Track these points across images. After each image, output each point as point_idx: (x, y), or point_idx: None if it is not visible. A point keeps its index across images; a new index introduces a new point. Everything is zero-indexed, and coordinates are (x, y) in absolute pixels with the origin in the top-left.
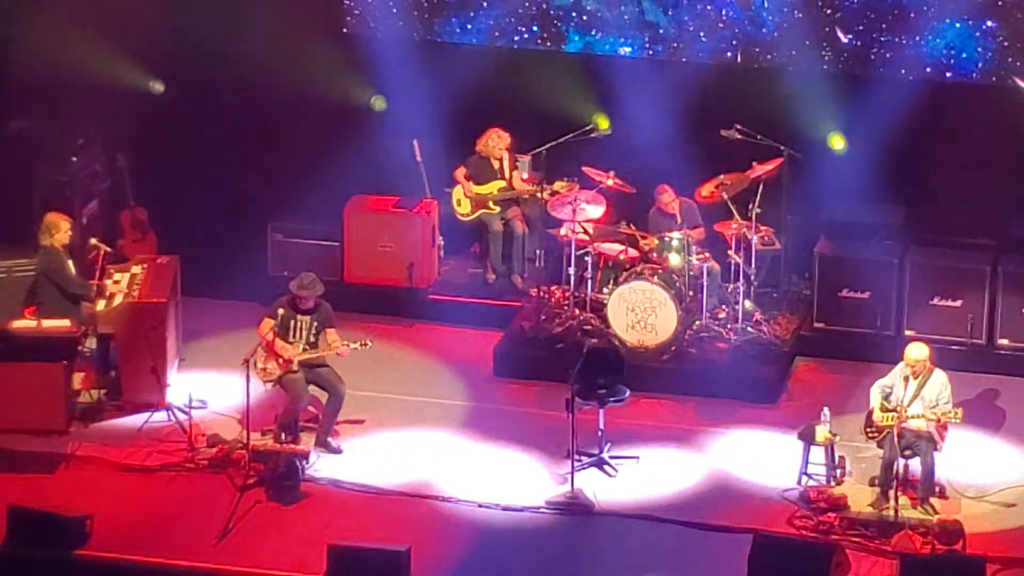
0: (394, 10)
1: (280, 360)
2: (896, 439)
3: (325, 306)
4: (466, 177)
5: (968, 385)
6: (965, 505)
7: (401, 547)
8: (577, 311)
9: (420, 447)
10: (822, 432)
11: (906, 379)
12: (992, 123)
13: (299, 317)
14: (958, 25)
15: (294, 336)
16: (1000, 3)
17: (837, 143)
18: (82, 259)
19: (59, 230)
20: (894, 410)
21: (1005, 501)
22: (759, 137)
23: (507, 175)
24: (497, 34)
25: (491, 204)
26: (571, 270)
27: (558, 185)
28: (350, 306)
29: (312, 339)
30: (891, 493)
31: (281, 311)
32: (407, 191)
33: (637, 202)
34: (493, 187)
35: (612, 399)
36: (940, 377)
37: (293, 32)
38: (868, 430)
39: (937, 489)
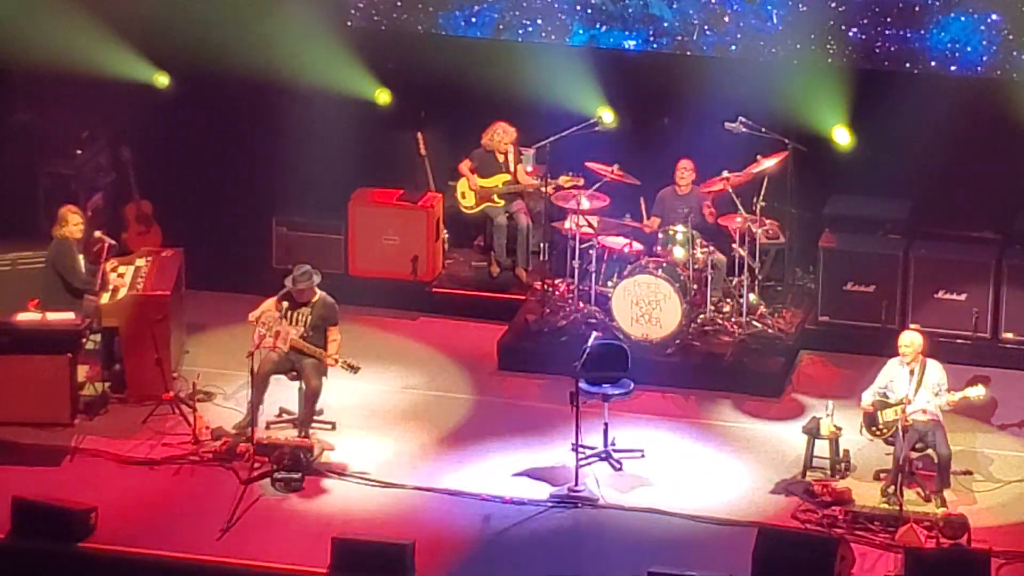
0: (398, 3)
1: (275, 337)
2: (902, 432)
3: (328, 302)
4: (471, 170)
5: None
6: (972, 498)
7: (405, 540)
8: (581, 304)
9: (424, 440)
10: (827, 426)
11: (912, 372)
12: (997, 116)
13: (299, 309)
14: (963, 19)
15: (291, 326)
16: None
17: (842, 137)
18: (87, 252)
19: (67, 223)
20: (900, 403)
21: (1015, 490)
22: (763, 130)
23: (512, 169)
24: (501, 27)
25: (495, 197)
26: (575, 263)
27: (563, 180)
28: (354, 299)
29: (310, 331)
30: (896, 487)
31: (285, 303)
32: (411, 184)
33: (648, 196)
34: (498, 180)
35: (616, 392)
36: (935, 364)
37: (297, 25)
38: (874, 428)
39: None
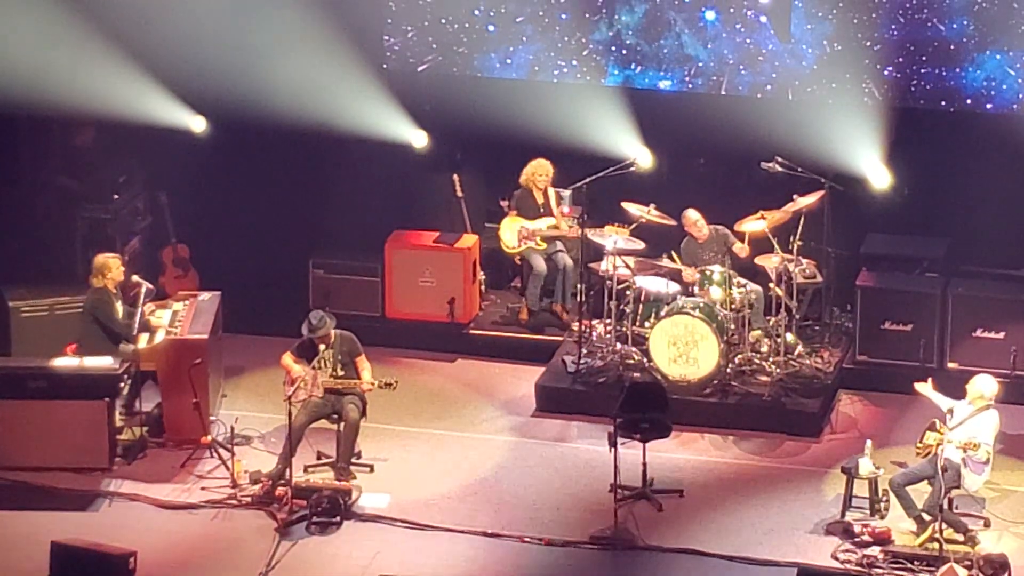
0: (434, 45)
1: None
2: (940, 471)
3: (346, 336)
4: (509, 208)
5: (1012, 418)
6: (1013, 536)
7: None
8: (619, 345)
9: (462, 482)
10: (866, 466)
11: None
12: None
13: (322, 353)
14: (998, 57)
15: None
16: None
17: (878, 175)
18: (124, 296)
19: (110, 270)
20: (941, 432)
21: None
22: (800, 170)
23: (553, 212)
24: (536, 68)
25: (538, 240)
26: (612, 304)
27: (609, 229)
28: (391, 341)
29: (340, 371)
30: (935, 524)
31: (303, 356)
32: (448, 226)
33: (679, 235)
34: (541, 223)
35: (655, 433)
36: (991, 416)
37: (333, 68)
38: (918, 445)
39: (982, 522)
